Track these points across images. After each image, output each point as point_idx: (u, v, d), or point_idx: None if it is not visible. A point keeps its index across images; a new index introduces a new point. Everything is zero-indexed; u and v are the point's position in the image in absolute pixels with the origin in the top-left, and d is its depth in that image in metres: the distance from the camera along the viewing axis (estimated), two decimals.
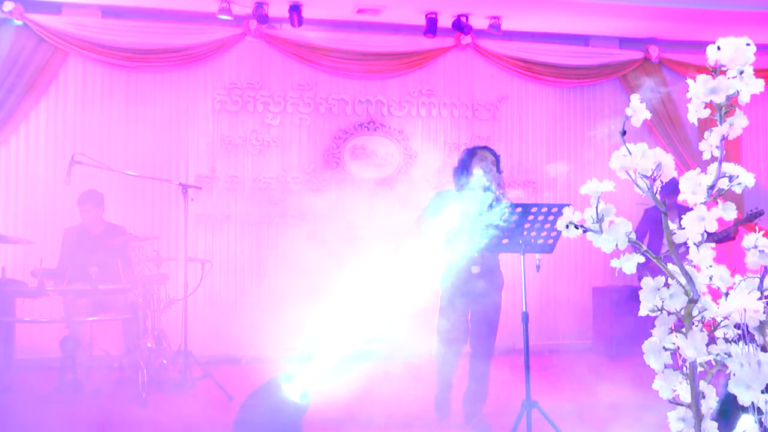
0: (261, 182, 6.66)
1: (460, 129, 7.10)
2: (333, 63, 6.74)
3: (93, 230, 5.52)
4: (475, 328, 4.26)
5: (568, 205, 1.67)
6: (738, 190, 1.57)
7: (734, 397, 1.51)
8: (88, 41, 6.21)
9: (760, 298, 1.51)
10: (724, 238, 5.42)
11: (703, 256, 1.55)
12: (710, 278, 1.57)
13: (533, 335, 3.94)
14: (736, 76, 1.51)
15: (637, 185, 1.56)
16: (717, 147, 1.54)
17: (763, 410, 1.51)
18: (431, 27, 6.63)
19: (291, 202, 6.70)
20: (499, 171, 4.18)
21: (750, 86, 1.50)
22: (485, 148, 4.30)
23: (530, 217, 3.60)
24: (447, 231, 3.99)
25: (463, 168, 4.19)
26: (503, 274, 4.35)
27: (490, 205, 3.86)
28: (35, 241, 5.95)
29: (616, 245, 1.55)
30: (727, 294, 1.54)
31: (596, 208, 1.54)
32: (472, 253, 3.93)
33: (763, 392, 1.47)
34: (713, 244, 1.58)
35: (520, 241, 3.59)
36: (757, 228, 1.67)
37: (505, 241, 3.65)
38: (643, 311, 1.58)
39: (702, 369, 1.56)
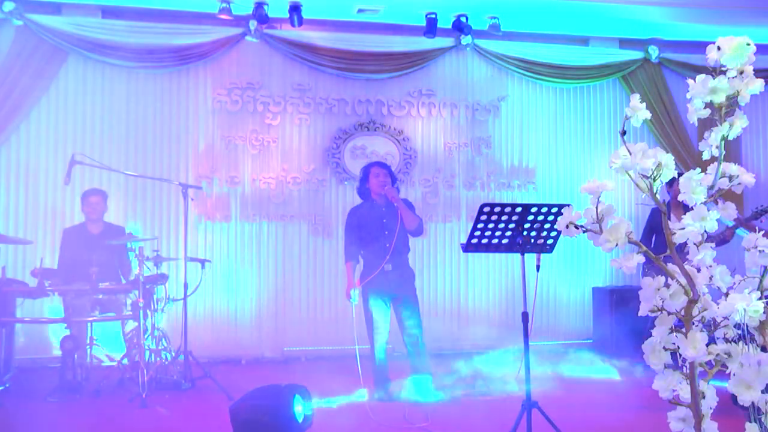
0: (261, 182, 6.66)
1: (460, 129, 7.10)
2: (333, 63, 6.74)
3: (93, 230, 5.52)
4: (401, 313, 4.89)
5: (568, 205, 1.67)
6: (738, 190, 1.57)
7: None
8: (88, 41, 6.21)
9: (760, 298, 1.51)
10: (719, 242, 5.31)
11: (703, 256, 1.56)
12: (710, 278, 1.57)
13: (533, 335, 3.93)
14: (736, 76, 1.51)
15: (638, 185, 1.56)
16: (717, 147, 1.55)
17: (763, 410, 1.51)
18: (431, 27, 6.63)
19: (291, 202, 6.70)
20: (393, 181, 5.00)
21: (750, 86, 1.50)
22: (377, 164, 5.13)
23: (530, 217, 3.60)
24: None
25: (363, 185, 5.02)
26: (413, 270, 5.07)
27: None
28: (35, 241, 5.96)
29: (616, 245, 1.55)
30: (727, 294, 1.54)
31: (596, 208, 1.54)
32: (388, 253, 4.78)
33: (763, 392, 1.48)
34: (713, 244, 1.58)
35: (520, 241, 3.59)
36: (756, 228, 1.67)
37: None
38: (643, 311, 1.58)
39: (702, 369, 1.56)
